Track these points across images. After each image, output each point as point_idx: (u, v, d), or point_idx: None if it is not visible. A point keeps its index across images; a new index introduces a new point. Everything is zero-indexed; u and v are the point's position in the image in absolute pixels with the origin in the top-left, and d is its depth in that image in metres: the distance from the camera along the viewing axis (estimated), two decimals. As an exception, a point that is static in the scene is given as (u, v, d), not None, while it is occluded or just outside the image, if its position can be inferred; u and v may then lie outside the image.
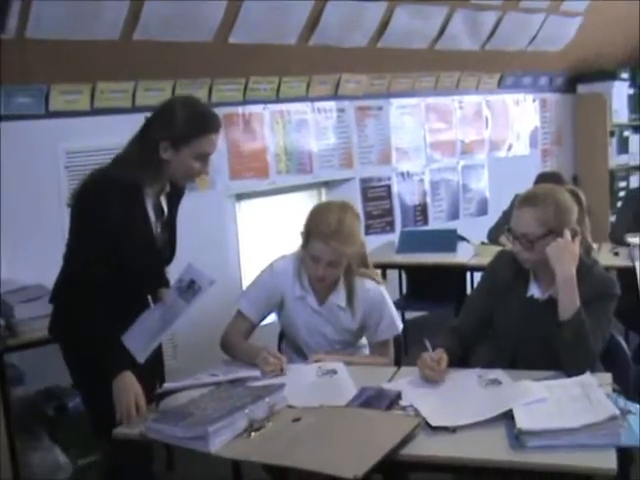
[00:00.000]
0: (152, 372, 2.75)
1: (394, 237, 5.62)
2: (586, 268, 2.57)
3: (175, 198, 2.77)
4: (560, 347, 2.46)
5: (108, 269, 2.49)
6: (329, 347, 2.95)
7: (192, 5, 4.17)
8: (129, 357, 2.51)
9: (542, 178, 5.11)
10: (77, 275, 2.53)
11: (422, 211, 6.27)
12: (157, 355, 2.86)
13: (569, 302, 2.47)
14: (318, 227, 2.79)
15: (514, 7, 5.78)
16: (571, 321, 2.44)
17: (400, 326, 3.01)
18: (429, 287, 5.18)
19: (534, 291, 2.64)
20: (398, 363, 2.98)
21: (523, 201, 2.60)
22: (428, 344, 2.57)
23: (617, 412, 2.04)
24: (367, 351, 3.07)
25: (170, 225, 2.77)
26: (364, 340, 3.06)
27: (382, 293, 2.97)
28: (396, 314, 3.00)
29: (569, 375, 2.38)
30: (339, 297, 2.92)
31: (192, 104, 2.60)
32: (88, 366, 2.58)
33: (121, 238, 2.52)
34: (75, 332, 2.54)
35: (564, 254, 2.50)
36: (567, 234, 2.53)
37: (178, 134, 2.49)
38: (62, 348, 2.72)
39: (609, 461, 1.93)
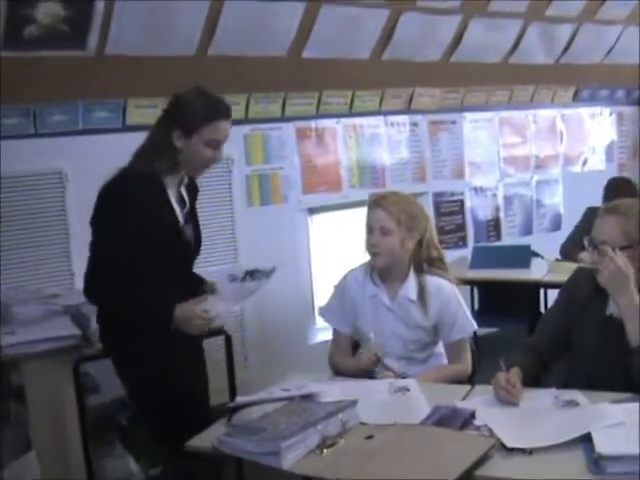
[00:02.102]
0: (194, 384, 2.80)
1: (467, 252, 5.57)
2: None
3: (192, 193, 2.83)
4: (634, 374, 2.40)
5: (135, 259, 2.55)
6: (403, 349, 2.97)
7: (266, 20, 4.25)
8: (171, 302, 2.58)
9: (614, 182, 5.06)
10: (104, 264, 2.59)
11: (495, 226, 6.21)
12: (201, 368, 2.92)
13: (636, 329, 2.41)
14: (372, 199, 2.99)
15: (591, 18, 5.70)
16: None
17: (475, 325, 3.03)
18: (502, 303, 5.12)
19: (613, 309, 2.56)
20: (471, 378, 2.96)
21: (606, 210, 2.58)
22: (503, 365, 2.53)
23: (701, 438, 1.98)
24: (444, 360, 3.06)
25: (194, 218, 2.83)
26: (440, 348, 3.05)
27: (456, 292, 3.00)
28: (470, 314, 3.02)
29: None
30: (409, 290, 2.95)
31: (202, 93, 2.67)
32: (140, 380, 2.68)
33: (148, 228, 2.58)
34: (115, 306, 2.63)
35: (620, 281, 2.44)
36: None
37: (189, 121, 2.58)
38: (114, 362, 2.79)
39: (692, 488, 1.87)
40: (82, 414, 3.49)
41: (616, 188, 4.97)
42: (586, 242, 2.59)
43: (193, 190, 2.86)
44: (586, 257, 2.58)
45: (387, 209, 2.90)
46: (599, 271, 2.51)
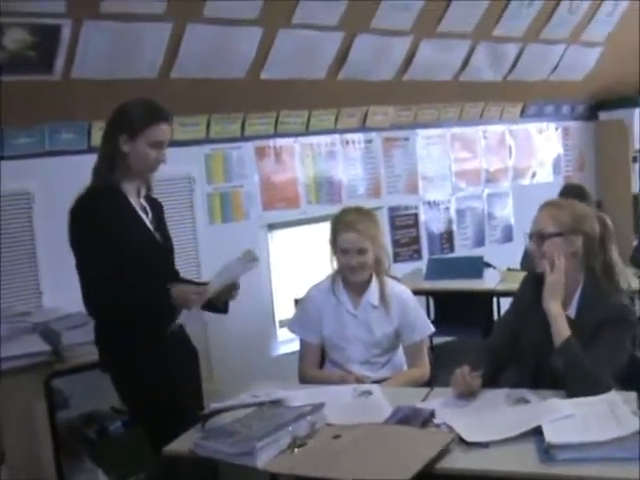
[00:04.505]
0: (189, 390, 2.96)
1: (422, 264, 5.74)
2: (602, 294, 2.67)
3: (158, 210, 3.02)
4: (557, 375, 2.56)
5: (121, 266, 2.71)
6: (366, 353, 3.14)
7: (226, 44, 4.37)
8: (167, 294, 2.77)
9: (567, 189, 5.18)
10: (95, 279, 2.74)
11: (448, 239, 6.38)
12: (195, 374, 3.08)
13: (558, 332, 2.59)
14: (340, 222, 3.15)
15: (534, 39, 5.92)
16: (561, 350, 2.56)
17: (432, 328, 3.24)
18: (457, 313, 5.26)
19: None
20: (430, 383, 3.11)
21: (543, 204, 2.79)
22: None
23: (641, 427, 2.16)
24: (403, 363, 3.24)
25: (163, 230, 3.00)
26: (400, 352, 3.23)
27: (411, 294, 3.23)
28: (426, 317, 3.27)
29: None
30: (372, 296, 3.15)
31: (143, 100, 2.90)
32: (139, 391, 2.80)
33: (122, 235, 2.75)
34: (120, 311, 2.75)
35: (555, 289, 2.64)
36: (578, 241, 2.67)
37: (134, 124, 2.79)
38: (113, 376, 2.91)
39: (633, 473, 2.02)
40: (54, 428, 3.56)
41: (570, 193, 5.10)
42: (527, 235, 2.80)
43: (158, 207, 3.03)
44: (534, 249, 2.77)
45: (361, 232, 3.09)
46: (539, 260, 2.72)
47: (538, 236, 2.72)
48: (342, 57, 5.00)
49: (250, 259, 2.81)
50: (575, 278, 2.70)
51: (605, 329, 2.58)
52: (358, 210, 3.25)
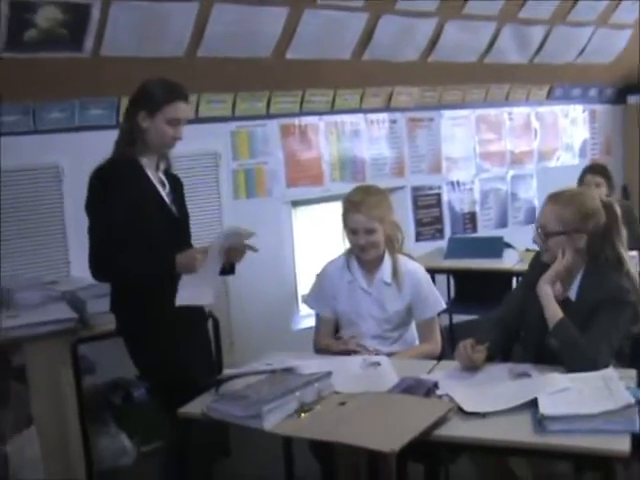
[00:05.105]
0: (200, 356, 3.09)
1: (443, 244, 5.77)
2: (601, 274, 2.74)
3: (178, 186, 3.14)
4: (555, 356, 2.65)
5: (131, 233, 2.85)
6: (378, 328, 3.23)
7: (252, 24, 4.46)
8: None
9: (591, 168, 5.20)
10: (103, 242, 2.88)
11: (471, 219, 6.45)
12: (206, 339, 3.24)
13: (551, 314, 2.68)
14: (349, 202, 3.20)
15: (562, 21, 5.93)
16: (555, 330, 2.65)
17: (443, 304, 3.31)
18: (476, 292, 5.30)
19: (557, 288, 2.80)
20: (440, 358, 3.17)
21: (550, 197, 2.83)
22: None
23: (633, 401, 2.23)
24: (415, 338, 3.32)
25: (182, 206, 3.13)
26: (412, 327, 3.32)
27: (424, 272, 3.29)
28: (438, 294, 3.30)
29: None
30: (385, 273, 3.22)
31: (163, 80, 3.03)
32: (151, 358, 2.95)
33: (135, 202, 2.89)
34: (122, 276, 2.92)
35: (552, 279, 2.74)
36: (582, 239, 2.73)
37: (152, 102, 2.93)
38: (127, 342, 3.05)
39: (623, 445, 2.11)
40: (79, 392, 3.68)
41: (593, 171, 5.03)
42: (533, 225, 2.87)
43: (177, 182, 3.16)
44: (539, 241, 2.85)
45: (368, 213, 3.14)
46: (544, 250, 2.81)
47: (542, 231, 2.79)
48: (367, 38, 5.06)
49: (248, 234, 2.96)
50: (577, 263, 2.78)
51: (602, 309, 2.65)
52: (367, 189, 3.31)
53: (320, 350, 3.27)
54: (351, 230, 3.20)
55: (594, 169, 5.13)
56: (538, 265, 2.91)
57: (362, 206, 3.15)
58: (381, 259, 3.24)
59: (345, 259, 3.31)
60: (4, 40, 3.74)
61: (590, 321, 2.64)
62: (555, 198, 2.81)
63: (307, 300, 3.44)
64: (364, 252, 3.20)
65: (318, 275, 3.41)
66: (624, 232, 2.86)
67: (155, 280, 2.88)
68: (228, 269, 3.06)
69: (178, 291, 2.86)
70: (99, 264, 2.92)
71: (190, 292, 2.87)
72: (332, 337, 3.33)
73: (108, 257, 2.88)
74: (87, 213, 2.94)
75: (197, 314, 3.10)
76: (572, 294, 2.77)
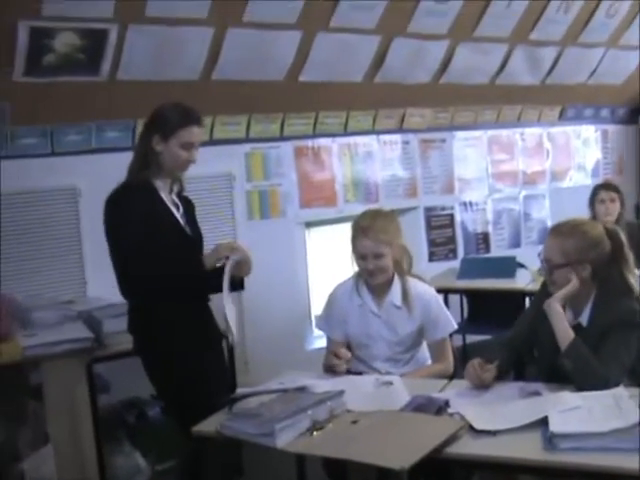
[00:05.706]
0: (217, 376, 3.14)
1: (456, 264, 5.76)
2: (612, 299, 2.76)
3: (190, 208, 3.21)
4: (566, 375, 2.67)
5: (152, 253, 2.90)
6: (390, 351, 3.25)
7: (265, 47, 4.51)
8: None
9: (602, 186, 5.28)
10: (128, 263, 2.92)
11: (484, 239, 6.45)
12: (222, 360, 3.30)
13: (562, 336, 2.70)
14: (357, 226, 3.22)
15: (573, 42, 5.95)
16: (567, 351, 2.66)
17: (455, 325, 3.31)
18: (489, 312, 5.30)
19: (568, 316, 2.81)
20: (452, 378, 3.18)
21: (552, 230, 2.87)
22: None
23: (643, 419, 2.26)
24: (427, 358, 3.34)
25: (195, 225, 3.19)
26: (423, 348, 3.33)
27: (435, 293, 3.30)
28: (449, 314, 3.31)
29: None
30: (395, 296, 3.23)
31: (177, 104, 3.08)
32: (169, 377, 2.99)
33: (151, 225, 2.94)
34: (153, 290, 2.96)
35: (560, 301, 2.75)
36: (586, 269, 2.75)
37: (167, 126, 2.98)
38: (144, 362, 3.09)
39: (633, 463, 2.12)
40: (95, 411, 3.71)
41: (605, 188, 5.20)
42: (539, 256, 2.90)
43: (189, 205, 3.22)
44: (545, 274, 2.88)
45: (376, 238, 3.15)
46: (550, 283, 2.83)
47: (547, 264, 2.82)
48: (379, 60, 5.10)
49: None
50: (587, 290, 2.80)
51: (613, 331, 2.67)
52: (375, 213, 3.31)
53: (329, 370, 3.28)
54: (360, 255, 3.20)
55: (607, 186, 5.22)
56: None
57: (370, 231, 3.15)
58: (390, 282, 3.24)
59: (354, 282, 3.31)
60: (23, 65, 3.81)
61: (602, 343, 2.66)
62: (557, 230, 2.84)
63: (318, 322, 3.48)
64: (373, 277, 3.20)
65: (328, 298, 3.42)
66: (631, 258, 2.88)
67: (186, 293, 2.95)
68: (238, 284, 3.10)
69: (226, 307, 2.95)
70: (130, 283, 2.96)
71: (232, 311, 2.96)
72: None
73: (138, 270, 2.92)
74: (107, 238, 2.99)
75: (214, 333, 3.14)
76: (584, 320, 2.80)
